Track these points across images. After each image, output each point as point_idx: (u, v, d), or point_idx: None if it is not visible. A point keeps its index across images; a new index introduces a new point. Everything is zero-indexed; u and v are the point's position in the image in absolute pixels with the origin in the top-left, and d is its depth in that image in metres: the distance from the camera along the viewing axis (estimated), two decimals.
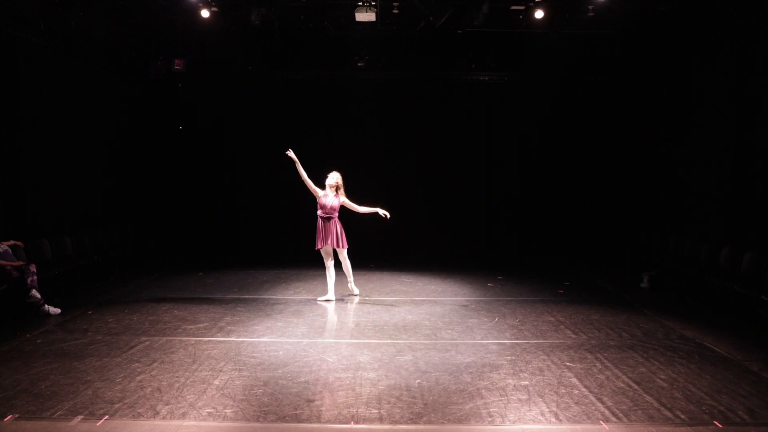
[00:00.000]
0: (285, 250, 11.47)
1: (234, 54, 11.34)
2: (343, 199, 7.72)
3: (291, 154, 7.63)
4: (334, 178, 7.67)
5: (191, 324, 6.68)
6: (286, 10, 9.86)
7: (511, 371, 5.17)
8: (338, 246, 7.67)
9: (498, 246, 12.29)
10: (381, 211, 7.75)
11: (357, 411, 4.31)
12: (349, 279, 8.06)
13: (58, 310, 7.08)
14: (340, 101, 12.13)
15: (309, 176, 7.68)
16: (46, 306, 7.01)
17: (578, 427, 4.11)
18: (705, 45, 9.06)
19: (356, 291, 8.16)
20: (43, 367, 5.19)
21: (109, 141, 10.70)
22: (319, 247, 7.73)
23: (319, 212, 7.67)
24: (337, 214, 7.66)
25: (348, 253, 7.86)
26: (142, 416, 4.20)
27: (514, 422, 4.16)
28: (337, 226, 7.65)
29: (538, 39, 10.84)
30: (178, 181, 12.15)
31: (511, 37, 10.98)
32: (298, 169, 7.66)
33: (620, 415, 4.28)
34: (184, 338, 6.11)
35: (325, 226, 7.63)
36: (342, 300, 7.93)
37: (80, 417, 4.16)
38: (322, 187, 7.71)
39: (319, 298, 7.94)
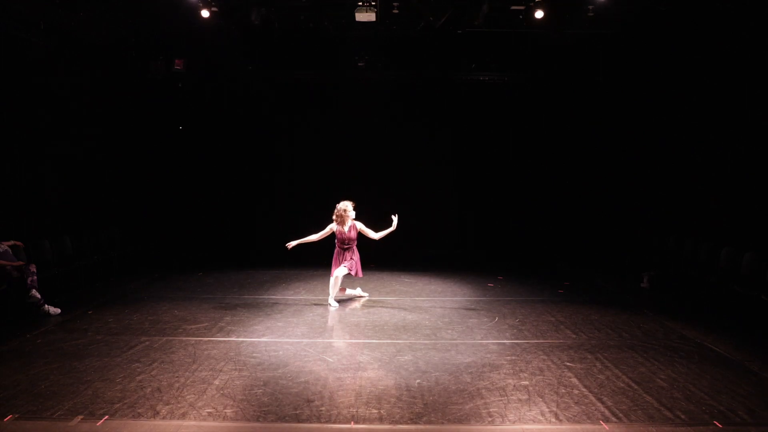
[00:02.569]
0: (285, 250, 11.45)
1: (234, 54, 11.35)
2: (360, 227, 7.60)
3: (291, 244, 7.58)
4: (348, 209, 7.50)
5: (191, 324, 6.68)
6: (286, 10, 9.86)
7: (511, 371, 5.17)
8: (354, 275, 7.61)
9: (498, 246, 12.29)
10: (395, 221, 7.50)
11: (357, 411, 4.31)
12: (331, 293, 7.66)
13: (58, 310, 7.08)
14: (340, 101, 12.13)
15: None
16: (46, 306, 7.01)
17: (578, 427, 4.11)
18: (704, 45, 9.05)
19: (335, 305, 7.61)
20: (43, 367, 5.19)
21: (109, 140, 10.71)
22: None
23: (337, 243, 7.63)
24: (356, 243, 7.64)
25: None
26: (142, 416, 4.19)
27: (514, 422, 4.16)
28: (354, 255, 7.62)
29: (538, 39, 10.84)
30: (178, 181, 12.15)
31: (511, 37, 10.98)
32: (307, 241, 7.60)
33: (620, 415, 4.28)
34: (184, 338, 6.11)
35: (343, 255, 7.61)
36: (342, 301, 7.92)
37: (80, 417, 4.16)
38: (330, 220, 7.57)
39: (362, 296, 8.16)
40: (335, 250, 7.71)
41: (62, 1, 8.75)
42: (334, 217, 7.56)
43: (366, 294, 8.21)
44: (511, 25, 10.22)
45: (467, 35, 10.70)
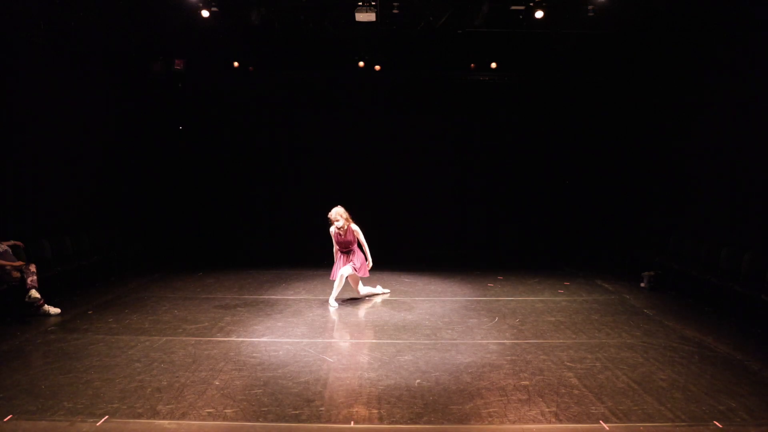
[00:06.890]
0: (285, 251, 11.47)
1: (234, 54, 11.35)
2: (356, 230, 7.53)
3: (336, 272, 7.64)
4: (340, 215, 7.40)
5: (191, 324, 6.68)
6: (286, 10, 9.85)
7: (511, 371, 5.17)
8: (359, 273, 7.60)
9: (498, 246, 12.29)
10: (369, 261, 7.66)
11: (357, 411, 4.31)
12: (333, 292, 7.64)
13: (58, 310, 7.08)
14: (339, 101, 12.14)
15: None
16: (46, 306, 7.01)
17: (578, 427, 4.11)
18: (705, 44, 9.06)
19: (335, 304, 7.57)
20: (43, 367, 5.19)
21: (109, 141, 10.72)
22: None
23: (336, 248, 7.64)
24: (356, 245, 7.61)
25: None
26: (142, 416, 4.20)
27: (514, 422, 4.16)
28: (358, 257, 7.60)
29: (538, 39, 10.84)
30: (178, 181, 12.16)
31: (511, 37, 10.98)
32: (336, 254, 7.71)
33: (620, 415, 4.28)
34: (184, 338, 6.11)
35: (345, 259, 7.60)
36: (343, 301, 7.92)
37: (80, 417, 4.16)
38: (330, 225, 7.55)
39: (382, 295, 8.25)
40: (336, 253, 7.70)
41: (62, 1, 8.75)
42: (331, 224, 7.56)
43: (387, 290, 8.35)
44: (511, 25, 10.22)
45: (467, 35, 10.70)
